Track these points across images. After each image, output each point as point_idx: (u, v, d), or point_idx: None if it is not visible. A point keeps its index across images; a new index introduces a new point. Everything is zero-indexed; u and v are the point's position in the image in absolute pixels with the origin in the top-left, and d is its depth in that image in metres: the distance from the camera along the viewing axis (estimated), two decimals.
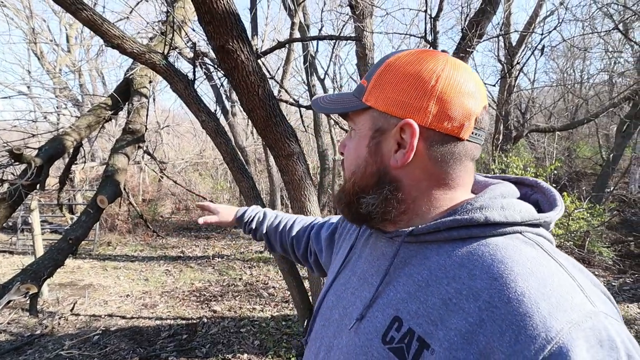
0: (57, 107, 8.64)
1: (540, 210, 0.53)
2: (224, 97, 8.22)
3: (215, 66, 2.86)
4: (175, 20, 2.48)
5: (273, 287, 4.89)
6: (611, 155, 7.24)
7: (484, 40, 4.51)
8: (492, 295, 0.41)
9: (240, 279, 5.28)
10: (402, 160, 0.51)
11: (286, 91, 3.10)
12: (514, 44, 4.79)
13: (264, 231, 1.02)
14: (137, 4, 3.66)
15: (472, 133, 0.50)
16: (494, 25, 5.16)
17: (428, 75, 0.49)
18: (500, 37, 3.98)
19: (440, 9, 2.45)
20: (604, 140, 10.99)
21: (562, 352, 0.36)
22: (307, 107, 2.54)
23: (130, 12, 4.03)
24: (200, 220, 1.03)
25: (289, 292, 4.64)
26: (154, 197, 11.74)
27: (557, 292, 0.39)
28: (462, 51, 4.48)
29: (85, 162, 4.35)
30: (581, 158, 11.60)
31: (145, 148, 3.35)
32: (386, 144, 0.52)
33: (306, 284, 2.98)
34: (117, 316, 3.94)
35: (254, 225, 1.03)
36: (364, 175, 0.54)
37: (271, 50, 2.35)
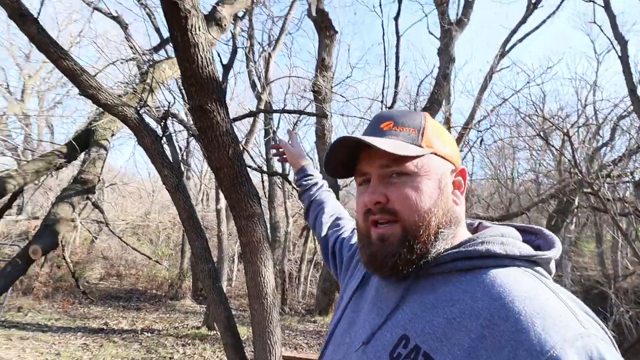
0: None
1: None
2: (179, 159, 8.17)
3: (185, 127, 2.96)
4: (154, 80, 2.62)
5: None
6: None
7: None
8: (493, 314, 0.46)
9: (171, 357, 4.70)
10: (460, 198, 0.62)
11: (251, 157, 3.24)
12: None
13: (312, 198, 1.10)
14: (114, 62, 3.80)
15: None
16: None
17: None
18: None
19: (394, 101, 2.85)
20: None
21: None
22: (270, 174, 2.66)
23: (105, 67, 4.15)
24: (282, 141, 1.18)
25: None
26: (82, 260, 10.56)
27: (551, 314, 0.44)
28: None
29: (20, 212, 3.97)
30: None
31: (93, 200, 3.18)
32: (449, 185, 0.62)
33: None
34: None
35: (308, 186, 1.11)
36: (437, 212, 0.59)
37: (242, 117, 2.52)
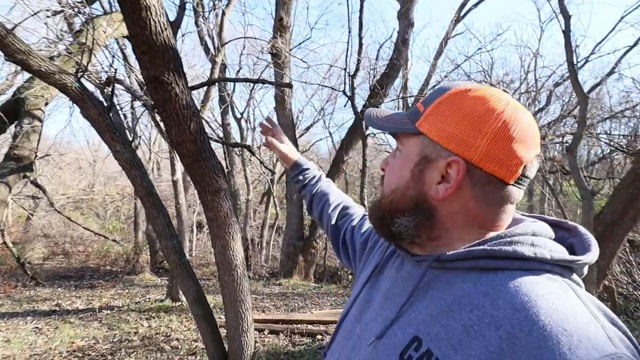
0: None
1: (573, 253, 0.52)
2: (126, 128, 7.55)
3: (135, 97, 2.70)
4: (94, 41, 2.31)
5: (177, 338, 4.39)
6: None
7: (388, 102, 5.28)
8: (514, 326, 0.42)
9: (135, 332, 4.61)
10: (443, 193, 0.51)
11: (211, 128, 3.07)
12: (410, 106, 5.74)
13: (313, 192, 1.04)
14: (37, 13, 3.28)
15: (518, 178, 0.50)
16: (395, 88, 6.02)
17: (487, 115, 0.49)
18: (401, 100, 4.74)
19: (357, 69, 2.79)
20: None
21: None
22: (232, 145, 2.55)
23: (24, 21, 3.59)
24: (269, 139, 1.07)
25: (195, 344, 4.21)
26: (19, 240, 9.71)
27: (579, 330, 0.40)
28: (371, 107, 5.11)
29: None
30: None
31: (32, 178, 2.87)
32: (430, 173, 0.53)
33: (222, 331, 2.77)
34: None
35: (306, 180, 1.06)
36: (403, 196, 0.55)
37: (200, 85, 2.35)
